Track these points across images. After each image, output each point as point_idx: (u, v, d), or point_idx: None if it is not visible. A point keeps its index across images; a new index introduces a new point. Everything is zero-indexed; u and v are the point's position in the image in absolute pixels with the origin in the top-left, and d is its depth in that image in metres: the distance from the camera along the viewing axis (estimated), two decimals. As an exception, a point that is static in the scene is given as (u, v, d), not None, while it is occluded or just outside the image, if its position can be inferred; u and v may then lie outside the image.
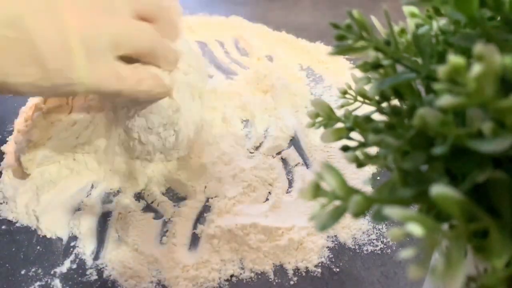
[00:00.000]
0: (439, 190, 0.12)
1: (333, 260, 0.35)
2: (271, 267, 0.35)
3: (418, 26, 0.19)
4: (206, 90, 0.46)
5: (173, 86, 0.38)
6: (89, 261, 0.36)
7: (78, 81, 0.31)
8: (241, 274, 0.35)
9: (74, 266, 0.36)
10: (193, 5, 0.70)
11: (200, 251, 0.36)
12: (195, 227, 0.39)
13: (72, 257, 0.36)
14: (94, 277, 0.35)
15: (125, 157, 0.42)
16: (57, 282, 0.34)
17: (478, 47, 0.12)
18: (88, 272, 0.35)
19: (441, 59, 0.16)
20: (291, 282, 0.34)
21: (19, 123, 0.46)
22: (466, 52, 0.14)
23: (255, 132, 0.47)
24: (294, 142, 0.46)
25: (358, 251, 0.36)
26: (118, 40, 0.32)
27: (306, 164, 0.44)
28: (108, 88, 0.32)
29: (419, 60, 0.17)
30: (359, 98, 0.20)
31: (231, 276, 0.35)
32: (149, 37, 0.34)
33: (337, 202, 0.15)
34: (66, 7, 0.30)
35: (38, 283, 0.34)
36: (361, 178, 0.42)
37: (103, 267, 0.35)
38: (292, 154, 0.45)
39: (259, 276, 0.35)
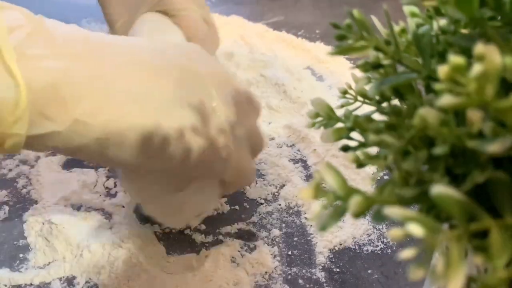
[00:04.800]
0: (440, 190, 0.12)
1: (333, 260, 0.35)
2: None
3: (418, 25, 0.19)
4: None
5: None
6: None
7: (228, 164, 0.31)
8: (241, 274, 0.35)
9: None
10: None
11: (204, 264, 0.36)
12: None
13: None
14: None
15: None
16: None
17: (479, 47, 0.12)
18: None
19: (442, 59, 0.16)
20: (291, 282, 0.34)
21: None
22: (467, 52, 0.14)
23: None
24: (294, 141, 0.46)
25: (358, 251, 0.36)
26: (251, 134, 0.34)
27: (306, 164, 0.44)
28: (248, 176, 0.35)
29: (420, 60, 0.17)
30: (359, 98, 0.20)
31: (231, 276, 0.35)
32: (263, 140, 0.36)
33: (338, 202, 0.15)
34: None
35: None
36: (361, 177, 0.42)
37: None
38: (292, 154, 0.45)
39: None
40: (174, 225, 0.37)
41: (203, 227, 0.38)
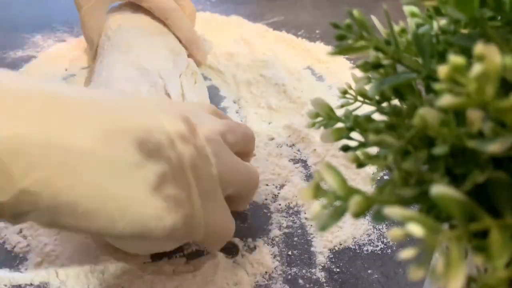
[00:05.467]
0: (440, 190, 0.12)
1: (333, 260, 0.35)
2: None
3: (418, 25, 0.19)
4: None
5: None
6: None
7: (198, 228, 0.28)
8: (241, 274, 0.35)
9: None
10: (193, 5, 0.70)
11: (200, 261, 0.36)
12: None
13: None
14: None
15: None
16: None
17: (479, 47, 0.12)
18: None
19: (442, 59, 0.16)
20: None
21: None
22: (467, 52, 0.14)
23: (255, 132, 0.47)
24: (294, 141, 0.46)
25: (358, 251, 0.36)
26: (227, 179, 0.29)
27: (306, 164, 0.44)
28: (224, 236, 0.30)
29: (420, 60, 0.17)
30: (359, 98, 0.20)
31: (231, 276, 0.35)
32: (253, 174, 0.33)
33: (338, 203, 0.15)
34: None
35: None
36: (361, 177, 0.42)
37: None
38: (292, 154, 0.45)
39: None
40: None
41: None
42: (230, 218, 0.31)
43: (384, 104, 0.19)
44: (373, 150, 0.17)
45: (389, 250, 0.36)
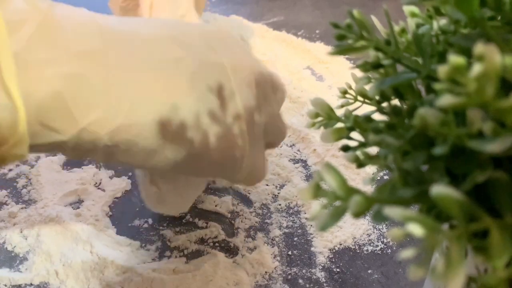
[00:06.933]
0: (440, 190, 0.12)
1: (333, 260, 0.35)
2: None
3: (418, 25, 0.19)
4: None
5: None
6: None
7: (244, 168, 0.30)
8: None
9: None
10: (193, 5, 0.70)
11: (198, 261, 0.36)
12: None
13: None
14: None
15: None
16: None
17: (479, 47, 0.12)
18: None
19: (442, 59, 0.16)
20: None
21: None
22: (467, 52, 0.14)
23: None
24: (294, 141, 0.46)
25: (358, 251, 0.36)
26: (268, 129, 0.31)
27: (306, 164, 0.44)
28: (258, 178, 0.32)
29: (420, 60, 0.17)
30: (359, 98, 0.20)
31: (231, 276, 0.35)
32: (285, 129, 0.35)
33: (338, 203, 0.15)
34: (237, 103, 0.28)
35: None
36: (361, 177, 0.42)
37: None
38: (292, 154, 0.45)
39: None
40: (174, 213, 0.39)
41: (204, 226, 0.38)
42: (267, 165, 0.34)
43: (384, 104, 0.19)
44: (373, 150, 0.17)
45: (389, 250, 0.36)
